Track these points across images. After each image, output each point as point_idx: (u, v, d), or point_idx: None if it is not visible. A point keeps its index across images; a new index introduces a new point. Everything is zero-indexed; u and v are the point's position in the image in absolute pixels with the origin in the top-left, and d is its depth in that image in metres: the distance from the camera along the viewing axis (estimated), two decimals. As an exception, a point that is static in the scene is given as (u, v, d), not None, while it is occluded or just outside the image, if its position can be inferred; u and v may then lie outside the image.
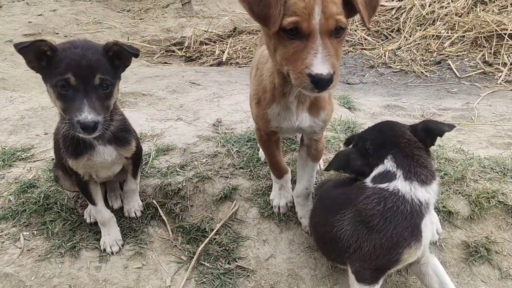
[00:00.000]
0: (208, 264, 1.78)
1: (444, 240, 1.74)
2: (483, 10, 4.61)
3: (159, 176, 2.17)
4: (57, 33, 7.28)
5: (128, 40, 7.32)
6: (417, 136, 1.48)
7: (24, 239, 1.95)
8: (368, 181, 1.43)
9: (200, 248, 1.83)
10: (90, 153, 1.63)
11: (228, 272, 1.74)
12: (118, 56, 1.56)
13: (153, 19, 8.74)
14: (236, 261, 1.78)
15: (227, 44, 6.52)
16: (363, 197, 1.39)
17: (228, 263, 1.78)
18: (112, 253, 1.85)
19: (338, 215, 1.42)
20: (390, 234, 1.30)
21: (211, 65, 5.68)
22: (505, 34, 4.07)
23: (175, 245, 1.89)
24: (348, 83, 4.20)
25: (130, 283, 1.74)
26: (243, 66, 5.39)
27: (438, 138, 1.49)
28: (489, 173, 2.00)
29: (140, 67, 5.29)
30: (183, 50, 6.76)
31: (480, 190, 1.87)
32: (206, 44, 6.86)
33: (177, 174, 2.17)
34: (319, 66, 1.19)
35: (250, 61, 5.59)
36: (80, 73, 1.43)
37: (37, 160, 2.46)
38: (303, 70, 1.22)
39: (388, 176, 1.40)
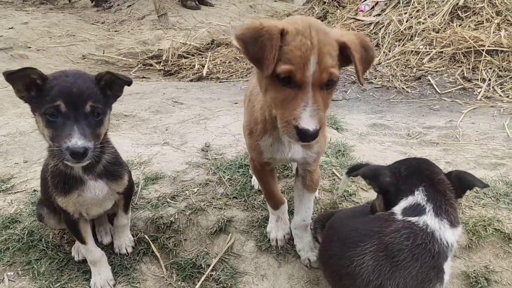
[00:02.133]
0: (206, 303, 1.72)
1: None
2: (459, 26, 4.74)
3: (150, 208, 2.09)
4: (29, 47, 7.05)
5: (103, 53, 7.18)
6: (450, 181, 1.45)
7: (9, 280, 1.84)
8: (397, 212, 1.39)
9: (197, 287, 1.76)
10: (81, 189, 1.55)
11: (227, 312, 1.69)
12: (110, 86, 1.51)
13: (128, 31, 8.60)
14: (235, 299, 1.73)
15: (206, 58, 6.46)
16: (391, 229, 1.33)
17: (226, 301, 1.72)
18: (103, 294, 1.76)
19: (359, 248, 1.35)
20: (416, 273, 1.27)
21: (191, 80, 5.61)
22: (482, 50, 4.18)
23: (170, 283, 1.81)
24: (332, 100, 4.20)
25: (125, 327, 1.66)
26: (224, 81, 5.34)
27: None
28: (483, 199, 2.02)
29: (119, 83, 5.16)
30: (161, 63, 6.66)
31: (476, 217, 1.89)
32: (184, 57, 6.78)
33: (169, 206, 2.10)
34: (307, 121, 1.18)
35: (230, 76, 5.56)
36: (71, 100, 1.37)
37: (17, 192, 2.34)
38: (290, 121, 1.21)
39: (418, 209, 1.36)
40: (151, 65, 6.76)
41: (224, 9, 10.23)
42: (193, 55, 6.85)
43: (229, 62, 6.02)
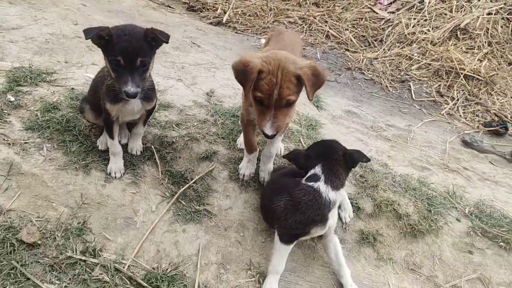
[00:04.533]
0: (184, 203, 2.47)
1: (349, 225, 2.52)
2: (454, 45, 5.32)
3: (159, 128, 2.79)
4: None
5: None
6: (344, 156, 2.18)
7: (47, 150, 2.54)
8: (304, 179, 2.14)
9: (180, 190, 2.50)
10: (124, 103, 2.23)
11: (197, 212, 2.44)
12: (154, 40, 2.12)
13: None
14: (204, 206, 2.48)
15: (229, 3, 6.88)
16: (298, 188, 2.10)
17: (198, 205, 2.47)
18: (115, 177, 2.48)
19: (279, 196, 2.13)
20: (307, 216, 2.03)
21: (211, 23, 6.10)
22: (462, 73, 4.82)
23: (162, 184, 2.55)
24: (327, 80, 4.84)
25: (126, 202, 2.40)
26: (240, 33, 5.87)
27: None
28: (396, 188, 2.78)
29: (146, 8, 5.65)
30: (186, -4, 7.07)
31: (385, 198, 2.65)
32: (211, -5, 7.18)
33: (173, 130, 2.80)
34: (268, 129, 1.99)
35: (247, 29, 6.07)
36: (127, 57, 2.01)
37: (59, 86, 2.99)
38: (260, 127, 2.03)
39: (315, 178, 2.11)
40: (176, -6, 7.15)
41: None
42: (219, -4, 7.26)
43: (249, 15, 6.47)
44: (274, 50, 2.16)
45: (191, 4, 6.83)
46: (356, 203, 2.58)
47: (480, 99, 4.65)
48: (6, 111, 2.65)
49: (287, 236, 2.11)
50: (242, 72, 2.00)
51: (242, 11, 6.74)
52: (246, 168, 2.61)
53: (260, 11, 6.58)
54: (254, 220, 2.48)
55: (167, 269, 2.17)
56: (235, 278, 2.22)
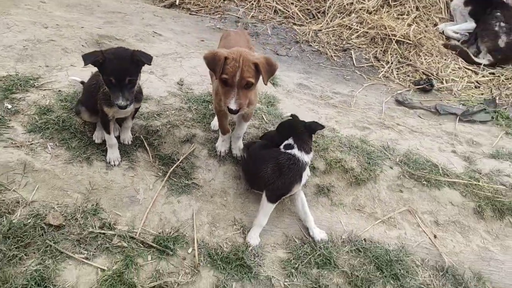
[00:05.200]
0: (175, 179, 3.03)
1: (308, 182, 3.19)
2: (387, 12, 6.00)
3: (143, 119, 3.28)
4: None
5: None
6: (306, 128, 2.81)
7: (51, 148, 2.99)
8: (282, 148, 2.76)
9: (170, 170, 3.05)
10: (119, 107, 2.72)
11: (187, 185, 3.02)
12: (139, 61, 2.59)
13: None
14: (192, 180, 3.06)
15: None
16: (281, 156, 2.73)
17: (187, 180, 3.05)
18: (114, 165, 2.99)
19: (265, 164, 2.74)
20: (290, 177, 2.67)
21: (164, 6, 6.41)
22: (393, 38, 5.52)
23: (154, 166, 3.09)
24: (277, 54, 5.41)
25: (127, 184, 2.93)
26: (194, 14, 6.23)
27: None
28: (342, 148, 3.47)
29: (101, -4, 5.87)
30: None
31: (333, 157, 3.33)
32: (158, -24, 7.40)
33: (155, 120, 3.31)
34: (232, 105, 2.51)
35: (200, 10, 6.42)
36: (118, 77, 2.49)
37: (47, 89, 3.37)
38: (225, 104, 2.54)
39: (290, 146, 2.74)
40: (125, -24, 7.31)
41: None
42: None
43: (199, -6, 6.80)
44: (236, 47, 2.70)
45: (141, -14, 7.05)
46: (311, 164, 3.25)
47: (410, 60, 5.39)
48: (7, 118, 3.04)
49: (274, 197, 2.74)
50: (212, 60, 2.54)
51: (192, -11, 7.06)
52: (221, 146, 3.19)
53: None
54: (233, 187, 3.10)
55: (170, 232, 2.75)
56: (224, 233, 2.85)
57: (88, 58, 2.43)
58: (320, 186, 3.20)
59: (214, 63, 2.51)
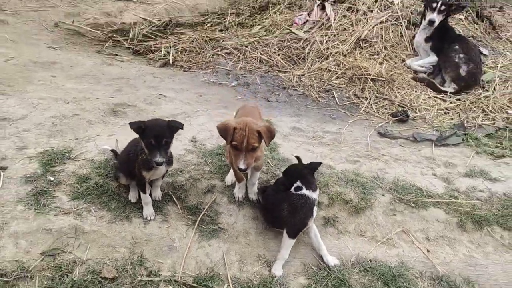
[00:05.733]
0: (203, 226, 3.54)
1: (316, 215, 3.73)
2: (359, 53, 6.76)
3: (168, 177, 3.80)
4: (4, 10, 7.82)
5: (73, 22, 8.13)
6: (308, 169, 3.39)
7: (94, 211, 3.47)
8: (293, 190, 3.32)
9: (198, 218, 3.56)
10: (155, 169, 3.24)
11: (214, 230, 3.52)
12: (173, 127, 3.16)
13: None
14: (218, 225, 3.57)
15: (169, 41, 7.82)
16: (292, 197, 3.28)
17: (213, 226, 3.55)
18: (150, 220, 3.48)
19: (281, 205, 3.29)
20: (304, 213, 3.23)
21: (160, 66, 7.04)
22: (368, 77, 6.24)
23: (184, 216, 3.59)
24: (268, 101, 6.04)
25: (164, 235, 3.42)
26: (188, 71, 6.86)
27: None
28: (340, 182, 4.04)
29: (103, 65, 6.47)
30: (129, 41, 7.90)
31: (334, 191, 3.90)
32: (149, 37, 8.07)
33: (179, 176, 3.83)
34: (241, 165, 3.11)
35: (192, 66, 7.06)
36: (156, 139, 3.04)
37: (81, 160, 3.87)
38: (236, 165, 3.15)
39: (299, 188, 3.30)
40: (118, 41, 7.97)
41: (177, -17, 11.19)
42: (156, 36, 8.17)
43: (191, 51, 7.47)
44: (242, 117, 3.31)
45: (135, 49, 7.70)
46: (318, 200, 3.80)
47: (386, 95, 6.10)
48: (51, 189, 3.52)
49: (293, 233, 3.27)
50: (224, 130, 3.18)
51: (182, 47, 7.72)
52: (239, 192, 3.73)
53: (198, 46, 7.61)
54: (253, 227, 3.62)
55: (206, 273, 3.23)
56: (252, 268, 3.34)
57: (133, 125, 3.01)
58: (326, 218, 3.75)
59: (225, 132, 3.14)
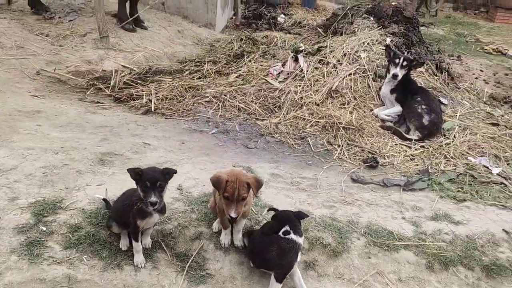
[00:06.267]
0: (192, 272, 3.72)
1: (300, 260, 3.98)
2: (331, 103, 7.27)
3: (157, 225, 3.99)
4: (-15, 57, 7.98)
5: (54, 70, 8.35)
6: (296, 216, 3.68)
7: (86, 260, 3.60)
8: (281, 234, 3.58)
9: (187, 265, 3.74)
10: (149, 217, 3.45)
11: (202, 276, 3.70)
12: (168, 173, 3.42)
13: (72, 48, 9.65)
14: (205, 271, 3.76)
15: (150, 88, 8.12)
16: (281, 240, 3.53)
17: (201, 271, 3.74)
18: (141, 267, 3.64)
19: (270, 248, 3.53)
20: (291, 257, 3.47)
21: (142, 113, 7.30)
22: (340, 126, 6.71)
23: (173, 263, 3.77)
24: (247, 147, 6.37)
25: (154, 282, 3.57)
26: (169, 118, 7.15)
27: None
28: (318, 227, 4.34)
29: (87, 114, 6.67)
30: (110, 89, 8.16)
31: (313, 236, 4.18)
32: (130, 85, 8.37)
33: (167, 224, 4.03)
34: (233, 214, 3.45)
35: (173, 113, 7.35)
36: (151, 181, 3.29)
37: (72, 209, 4.01)
38: (228, 213, 3.47)
39: (287, 232, 3.57)
40: (100, 88, 8.22)
41: (156, 32, 11.66)
42: (137, 83, 8.48)
43: (171, 99, 7.79)
44: (232, 169, 3.62)
45: (116, 96, 7.95)
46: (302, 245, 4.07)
47: (357, 142, 6.56)
48: (44, 239, 3.65)
49: (281, 276, 3.49)
50: (216, 183, 3.49)
51: (162, 94, 8.04)
52: (225, 239, 3.95)
53: (178, 94, 7.96)
54: (239, 272, 3.83)
55: (196, 318, 3.40)
56: (239, 312, 3.53)
57: (131, 171, 3.28)
58: (307, 262, 4.00)
59: (218, 184, 3.48)
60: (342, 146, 6.51)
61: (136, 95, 7.90)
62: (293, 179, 5.52)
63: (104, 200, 4.04)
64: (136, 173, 3.30)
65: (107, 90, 8.12)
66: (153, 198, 3.27)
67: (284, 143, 6.59)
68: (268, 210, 3.94)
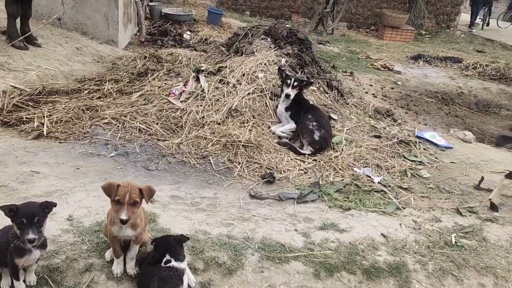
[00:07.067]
0: (81, 306, 3.61)
1: (195, 280, 4.05)
2: (231, 122, 7.51)
3: (43, 260, 3.82)
4: None
5: None
6: (176, 242, 3.77)
7: None
8: (163, 264, 3.63)
9: (76, 299, 3.63)
10: (29, 254, 3.30)
11: (93, 309, 3.62)
12: (46, 207, 3.32)
13: (-45, 66, 8.81)
14: (97, 303, 3.68)
15: (42, 110, 7.68)
16: (162, 270, 3.59)
17: (92, 304, 3.65)
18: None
19: (152, 279, 3.56)
20: (173, 284, 3.53)
21: (33, 138, 6.87)
22: (239, 144, 6.97)
23: (60, 299, 3.62)
24: (148, 169, 6.33)
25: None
26: (63, 142, 6.82)
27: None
28: (214, 247, 4.46)
29: (-32, 140, 6.13)
30: (-3, 112, 7.56)
31: (209, 256, 4.30)
32: (20, 107, 7.84)
33: (54, 258, 3.87)
34: (123, 216, 3.45)
35: (68, 136, 7.03)
36: (28, 217, 3.18)
37: None
38: (117, 216, 3.48)
39: (169, 261, 3.63)
40: (-14, 112, 7.57)
41: (51, 50, 11.04)
42: (28, 106, 7.96)
43: (67, 121, 7.44)
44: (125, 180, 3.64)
45: (4, 120, 7.40)
46: (193, 266, 4.16)
47: (255, 159, 6.86)
48: None
49: None
50: (108, 188, 3.51)
51: (57, 117, 7.65)
52: (117, 268, 3.90)
53: (74, 116, 7.64)
54: (133, 300, 3.81)
55: None
56: None
57: (4, 208, 3.13)
58: (202, 283, 4.10)
59: (110, 190, 3.48)
60: (242, 163, 6.76)
61: (26, 118, 7.42)
62: (193, 199, 5.61)
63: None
64: (10, 210, 3.15)
65: (-6, 114, 7.50)
66: (31, 236, 3.15)
67: (186, 163, 6.66)
68: (152, 243, 3.98)
